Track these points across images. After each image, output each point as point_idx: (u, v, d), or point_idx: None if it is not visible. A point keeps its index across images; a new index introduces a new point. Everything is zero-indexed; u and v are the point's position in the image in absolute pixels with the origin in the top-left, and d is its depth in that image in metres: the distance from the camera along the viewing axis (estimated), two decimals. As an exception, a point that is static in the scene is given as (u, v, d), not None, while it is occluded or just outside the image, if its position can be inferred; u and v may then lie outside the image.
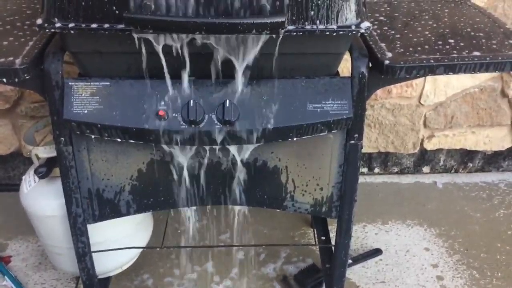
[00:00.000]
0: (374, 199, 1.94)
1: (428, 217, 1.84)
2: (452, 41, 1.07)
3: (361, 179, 1.97)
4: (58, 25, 0.90)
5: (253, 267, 1.61)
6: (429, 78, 1.82)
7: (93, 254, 1.26)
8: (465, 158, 2.07)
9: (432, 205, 1.91)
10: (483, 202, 1.92)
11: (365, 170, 2.08)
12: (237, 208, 1.29)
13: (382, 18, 1.21)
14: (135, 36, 0.90)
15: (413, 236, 1.75)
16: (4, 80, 0.95)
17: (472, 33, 1.11)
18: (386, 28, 1.15)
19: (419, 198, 1.94)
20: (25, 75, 0.95)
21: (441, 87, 1.86)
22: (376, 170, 2.08)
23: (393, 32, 1.12)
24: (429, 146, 2.01)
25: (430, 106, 1.91)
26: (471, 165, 2.09)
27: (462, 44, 1.05)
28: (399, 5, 1.29)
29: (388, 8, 1.27)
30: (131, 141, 1.05)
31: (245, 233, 1.55)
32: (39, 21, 0.92)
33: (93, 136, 1.05)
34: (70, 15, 0.90)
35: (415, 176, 2.08)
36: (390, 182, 2.04)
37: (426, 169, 2.09)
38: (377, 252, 1.67)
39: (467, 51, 1.03)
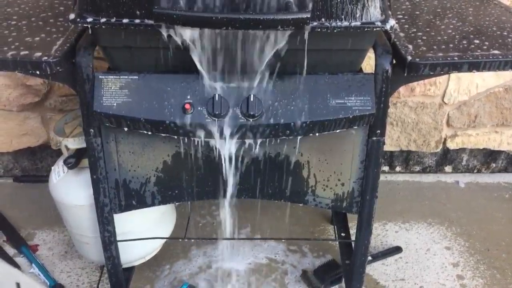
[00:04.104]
0: (395, 197, 1.94)
1: (450, 216, 1.83)
2: (477, 41, 1.06)
3: (382, 178, 1.98)
4: (89, 20, 0.93)
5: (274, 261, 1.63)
6: (453, 76, 1.81)
7: (118, 244, 1.30)
8: (488, 158, 2.06)
9: (454, 204, 1.90)
10: (506, 202, 1.91)
11: (386, 168, 2.08)
12: (257, 201, 1.31)
13: (404, 16, 1.22)
14: (164, 31, 0.93)
15: (434, 234, 1.75)
16: (38, 72, 0.99)
17: (498, 32, 1.10)
18: (408, 26, 1.15)
19: (440, 197, 1.93)
20: (58, 68, 0.98)
21: (464, 86, 1.85)
22: (398, 168, 2.08)
23: (415, 30, 1.13)
24: (452, 145, 2.00)
25: (453, 105, 1.90)
26: (494, 165, 2.07)
27: (487, 43, 1.05)
28: (420, 3, 1.29)
29: (410, 6, 1.27)
30: (158, 133, 1.08)
31: (266, 227, 1.57)
32: (71, 16, 0.95)
33: (125, 129, 1.08)
34: (101, 10, 0.92)
35: (437, 175, 2.07)
36: (411, 181, 2.03)
37: (448, 168, 2.08)
38: (397, 250, 1.67)
39: (491, 50, 1.02)
